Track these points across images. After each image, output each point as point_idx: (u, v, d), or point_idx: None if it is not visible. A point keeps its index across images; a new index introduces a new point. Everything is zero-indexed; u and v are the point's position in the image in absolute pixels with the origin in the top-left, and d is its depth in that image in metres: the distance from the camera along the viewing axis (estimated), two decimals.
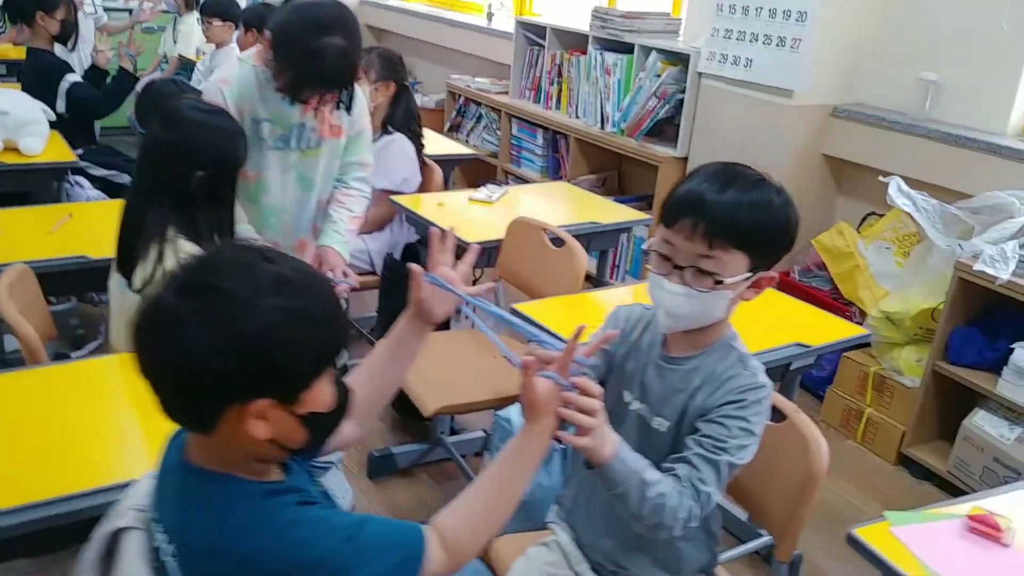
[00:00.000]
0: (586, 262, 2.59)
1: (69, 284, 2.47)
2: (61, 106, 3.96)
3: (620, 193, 4.80)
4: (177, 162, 2.02)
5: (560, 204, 3.52)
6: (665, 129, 4.20)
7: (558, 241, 2.70)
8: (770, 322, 2.42)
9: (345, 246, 2.47)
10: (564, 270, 2.60)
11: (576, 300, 2.47)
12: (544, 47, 4.89)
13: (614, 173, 4.84)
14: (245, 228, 2.36)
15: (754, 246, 1.42)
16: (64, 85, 3.91)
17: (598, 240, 3.20)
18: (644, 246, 1.55)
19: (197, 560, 1.15)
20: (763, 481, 1.77)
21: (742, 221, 1.40)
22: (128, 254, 2.05)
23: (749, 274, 1.45)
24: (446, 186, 4.24)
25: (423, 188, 3.52)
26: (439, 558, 1.23)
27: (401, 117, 3.42)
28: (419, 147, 3.49)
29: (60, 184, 3.56)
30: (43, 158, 3.41)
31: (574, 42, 4.73)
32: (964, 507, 1.64)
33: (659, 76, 4.10)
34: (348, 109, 2.36)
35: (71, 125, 4.02)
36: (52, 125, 3.73)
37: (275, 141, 2.39)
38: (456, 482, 2.84)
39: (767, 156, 3.62)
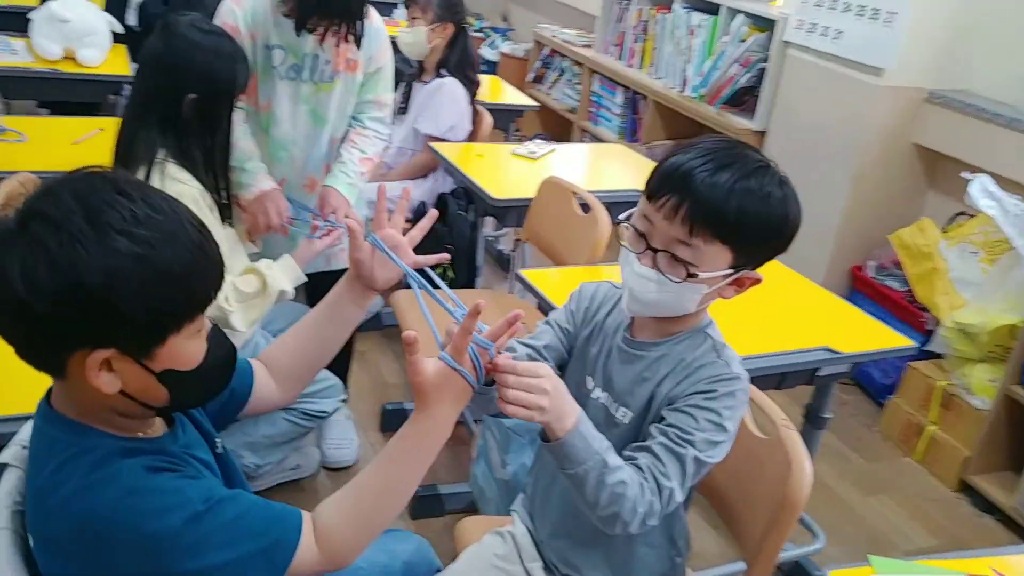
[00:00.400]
0: (608, 231, 2.38)
1: None
2: (132, 19, 3.93)
3: None
4: (168, 82, 1.90)
5: (607, 167, 3.31)
6: (745, 99, 3.91)
7: (587, 207, 2.50)
8: (798, 320, 2.18)
9: (351, 188, 2.31)
10: (587, 238, 2.41)
11: (587, 273, 2.27)
12: (632, 1, 4.61)
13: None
14: (254, 165, 2.24)
15: (740, 240, 1.23)
16: None
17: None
18: (621, 216, 1.36)
19: (36, 513, 1.05)
20: (742, 496, 1.57)
21: (730, 210, 1.20)
22: None
23: (730, 271, 1.26)
24: (506, 137, 4.07)
25: (471, 137, 3.35)
26: (312, 555, 1.09)
27: (456, 61, 3.24)
28: (472, 94, 3.31)
29: (117, 98, 3.54)
30: (101, 70, 3.38)
31: None
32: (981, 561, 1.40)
33: (743, 41, 3.80)
34: (358, 43, 2.19)
35: (141, 39, 3.99)
36: (123, 38, 3.71)
37: (287, 71, 2.25)
38: (467, 447, 2.71)
39: (850, 139, 3.31)
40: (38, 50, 3.30)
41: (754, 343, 2.00)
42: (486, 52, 6.08)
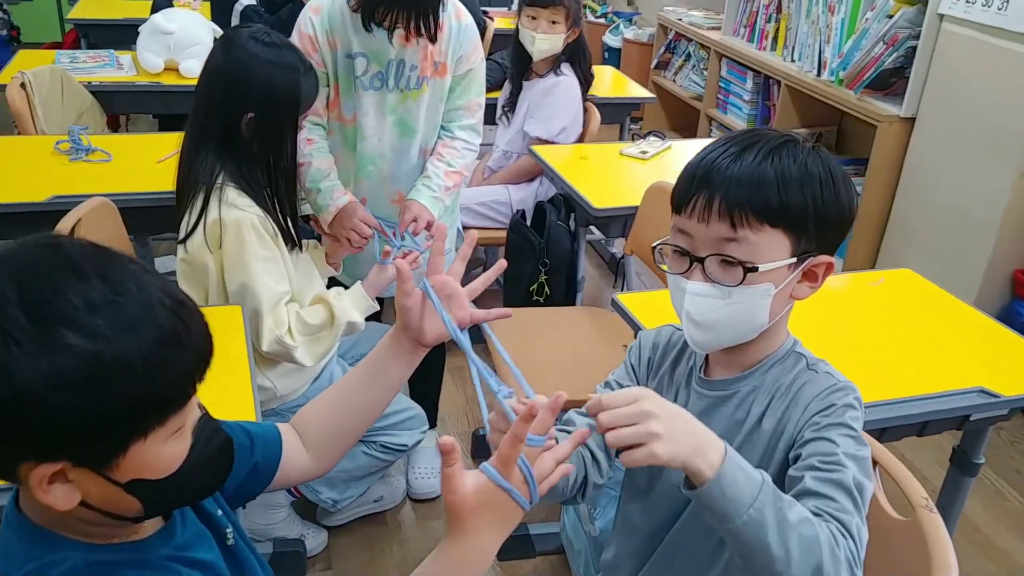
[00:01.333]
0: None
1: (157, 224, 2.32)
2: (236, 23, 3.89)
3: (837, 153, 4.12)
4: (225, 100, 1.77)
5: None
6: (892, 82, 3.48)
7: None
8: (945, 351, 1.84)
9: (435, 201, 2.09)
10: None
11: None
12: None
13: (832, 130, 4.15)
14: (329, 184, 2.08)
15: (792, 218, 1.06)
16: (238, 6, 3.83)
17: None
18: (653, 245, 1.13)
19: None
20: None
21: (769, 185, 1.04)
22: (180, 198, 1.84)
23: (792, 260, 1.08)
24: (620, 134, 3.80)
25: (579, 136, 3.11)
26: None
27: (572, 54, 3.02)
28: (584, 90, 3.08)
29: None
30: None
31: None
32: None
33: (890, 17, 3.37)
34: (431, 38, 1.96)
35: None
36: None
37: (370, 80, 2.07)
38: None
39: (1017, 126, 2.86)
40: (142, 63, 3.29)
41: (888, 383, 1.68)
42: (608, 39, 5.79)
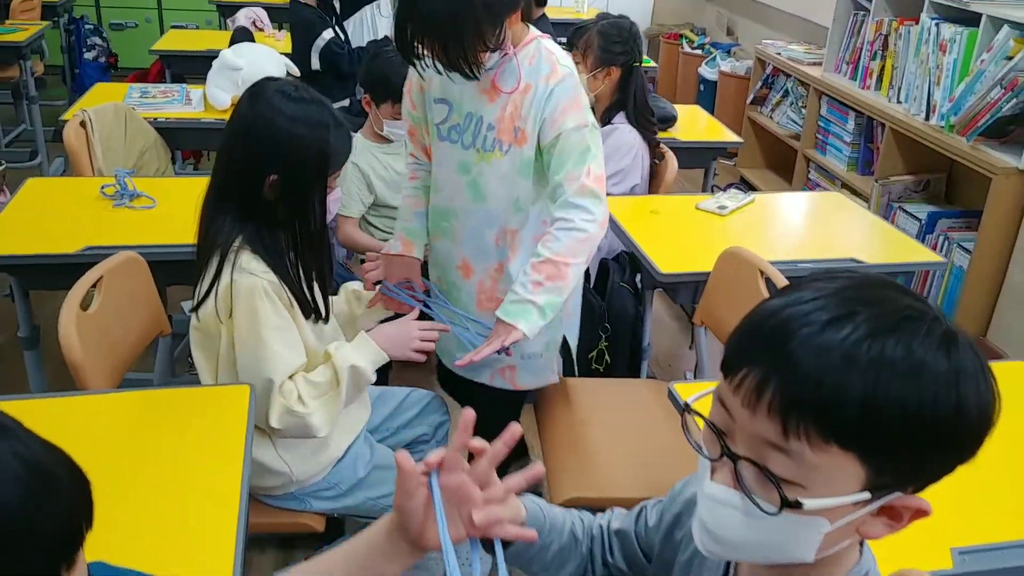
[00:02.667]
0: None
1: (190, 275, 2.20)
2: (316, 62, 3.83)
3: (946, 203, 3.77)
4: (247, 159, 1.63)
5: (817, 227, 2.70)
6: (1010, 130, 3.13)
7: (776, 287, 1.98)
8: None
9: (520, 307, 1.73)
10: None
11: None
12: (870, 11, 3.92)
13: (941, 177, 3.80)
14: (400, 224, 2.00)
15: (875, 447, 0.70)
16: (320, 42, 3.76)
17: None
18: (686, 403, 0.82)
19: None
20: None
21: (850, 394, 0.68)
22: (199, 260, 1.72)
23: (865, 495, 0.72)
24: (705, 180, 3.56)
25: (652, 185, 2.88)
26: None
27: (626, 103, 2.78)
28: (651, 140, 2.84)
29: None
30: None
31: (906, 7, 3.74)
32: None
33: (1009, 59, 3.04)
34: (468, 73, 1.66)
35: (327, 81, 3.89)
36: (311, 82, 3.60)
37: (447, 131, 1.87)
38: None
39: None
40: (210, 99, 3.23)
41: (996, 524, 1.41)
42: (705, 71, 5.53)
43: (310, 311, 1.71)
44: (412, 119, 1.97)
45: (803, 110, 4.48)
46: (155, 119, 3.10)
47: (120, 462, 1.44)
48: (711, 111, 4.25)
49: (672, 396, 1.72)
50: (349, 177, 2.65)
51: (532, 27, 1.79)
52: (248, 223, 1.64)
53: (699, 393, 0.84)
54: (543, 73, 1.74)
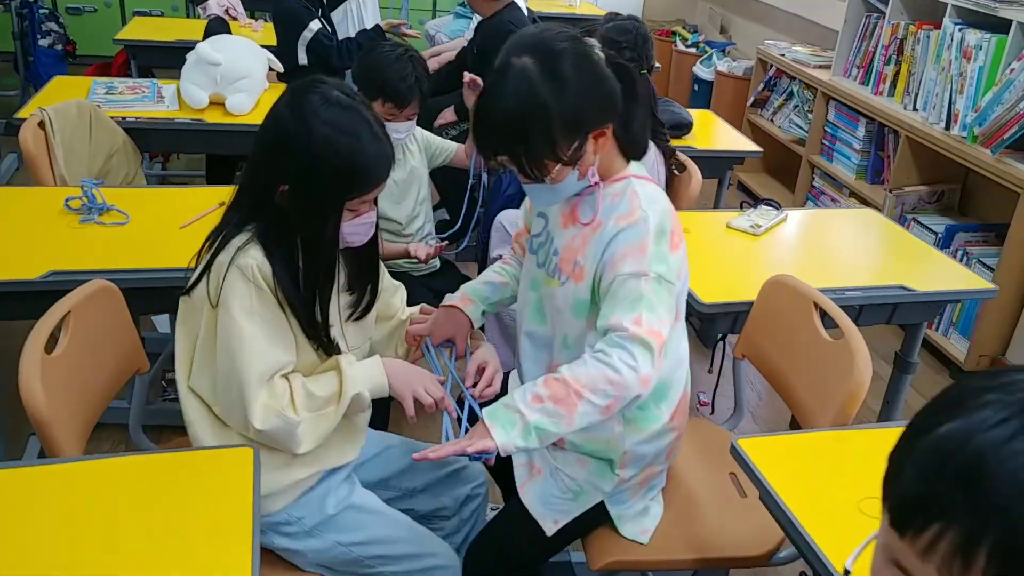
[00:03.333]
0: (869, 372, 1.62)
1: (168, 304, 1.92)
2: (303, 56, 3.55)
3: (960, 215, 3.61)
4: (261, 161, 1.44)
5: (854, 246, 2.49)
6: None
7: (832, 322, 1.77)
8: None
9: (507, 413, 1.39)
10: (836, 379, 1.67)
11: (837, 443, 1.54)
12: (885, 14, 3.74)
13: (955, 188, 3.63)
14: (470, 284, 1.78)
15: None
16: (307, 34, 3.48)
17: (906, 312, 2.17)
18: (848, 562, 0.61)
19: None
20: None
21: None
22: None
23: None
24: (718, 192, 3.35)
25: (674, 202, 2.65)
26: None
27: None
28: (666, 149, 2.63)
29: None
30: (249, 119, 2.94)
31: (925, 11, 3.55)
32: None
33: None
34: (531, 174, 1.45)
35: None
36: (290, 78, 3.34)
37: (537, 244, 1.65)
38: None
39: None
40: (185, 97, 2.95)
41: None
42: (700, 71, 5.33)
43: (312, 333, 1.48)
44: (527, 220, 1.79)
45: (809, 114, 4.29)
46: (123, 118, 2.80)
47: (104, 545, 1.19)
48: None
49: (738, 454, 1.50)
50: None
51: (634, 164, 1.56)
52: (259, 220, 1.44)
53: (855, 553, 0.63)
54: (618, 213, 1.49)
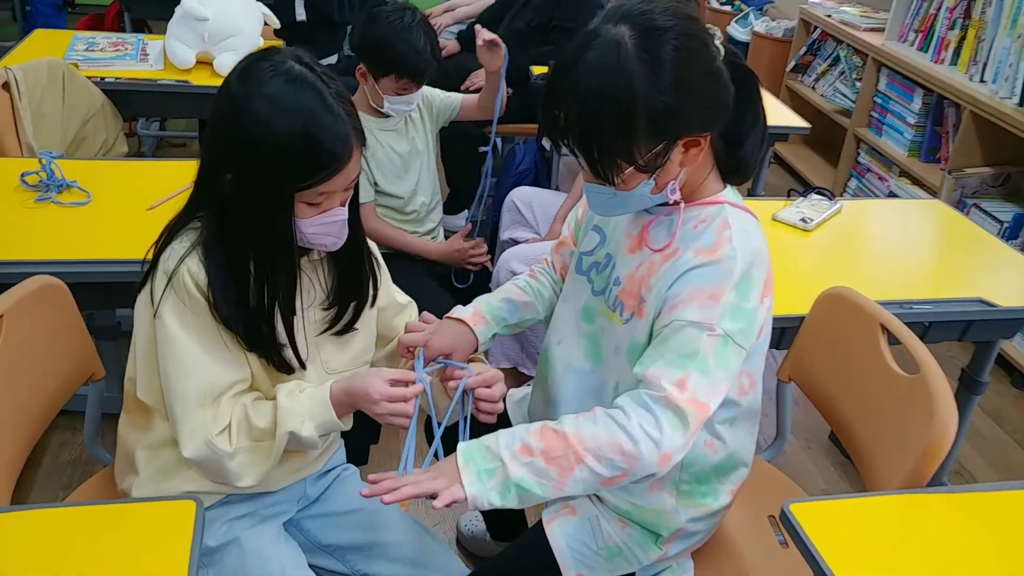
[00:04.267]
0: (953, 422, 1.33)
1: (124, 300, 1.66)
2: (301, 12, 3.26)
3: None
4: (209, 148, 1.21)
5: (921, 246, 2.19)
6: None
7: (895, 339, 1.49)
8: None
9: (486, 471, 1.13)
10: (913, 426, 1.38)
11: (908, 510, 1.26)
12: None
13: (1022, 172, 3.30)
14: (482, 299, 1.50)
15: None
16: None
17: (982, 329, 1.87)
18: None
19: None
20: None
21: None
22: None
23: None
24: (758, 172, 3.04)
25: None
26: None
27: None
28: None
29: None
30: None
31: None
32: None
33: None
34: (600, 174, 1.16)
35: (313, 33, 3.33)
36: (288, 35, 3.06)
37: (589, 265, 1.37)
38: None
39: None
40: (170, 55, 2.67)
41: None
42: (735, 31, 4.96)
43: (255, 348, 1.24)
44: (574, 228, 1.51)
45: (857, 83, 3.94)
46: (101, 79, 2.53)
47: None
48: None
49: (788, 522, 1.23)
50: None
51: (730, 190, 1.27)
52: (208, 213, 1.22)
53: None
54: (700, 243, 1.19)
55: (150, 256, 1.23)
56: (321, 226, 1.20)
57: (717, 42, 1.16)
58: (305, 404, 1.23)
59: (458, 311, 1.46)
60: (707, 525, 1.39)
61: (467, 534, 2.05)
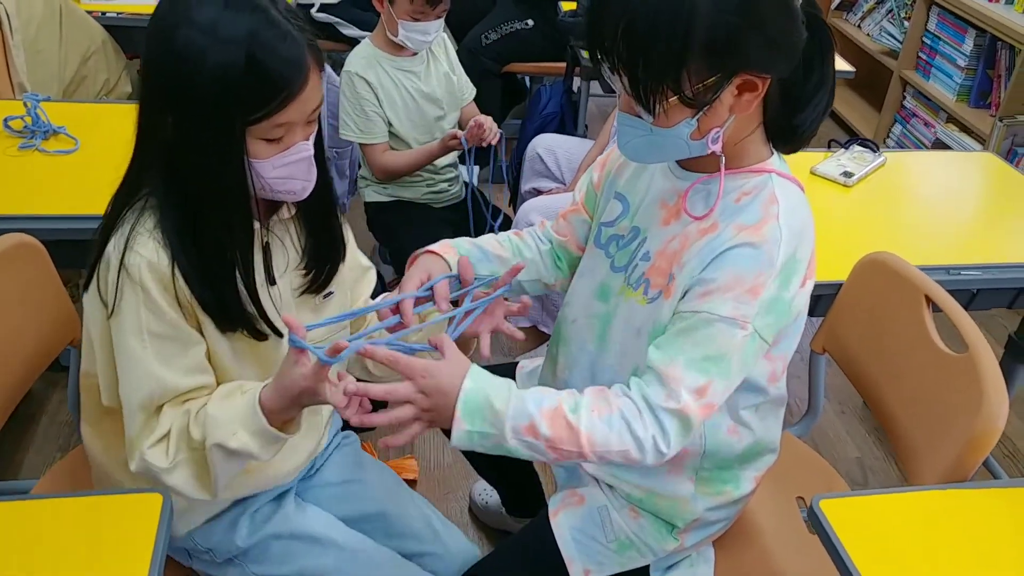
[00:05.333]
0: (1004, 408, 1.20)
1: None
2: None
3: None
4: (146, 88, 1.05)
5: (971, 204, 2.02)
6: None
7: (945, 319, 1.35)
8: None
9: (481, 433, 1.03)
10: (958, 411, 1.25)
11: (950, 502, 1.14)
12: None
13: None
14: (461, 240, 1.32)
15: None
16: None
17: None
18: None
19: None
20: None
21: None
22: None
23: None
24: None
25: None
26: None
27: None
28: None
29: None
30: None
31: None
32: None
33: None
34: (644, 103, 0.99)
35: None
36: None
37: (608, 238, 1.24)
38: None
39: None
40: None
41: None
42: None
43: (227, 321, 1.12)
44: (587, 194, 1.34)
45: (905, 22, 3.71)
46: (102, 13, 2.41)
47: None
48: None
49: (817, 520, 1.12)
50: (361, 95, 2.13)
51: (777, 158, 1.11)
52: (157, 180, 1.07)
53: None
54: (743, 220, 1.05)
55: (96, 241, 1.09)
56: (285, 167, 1.06)
57: None
58: (237, 409, 1.08)
59: (428, 247, 1.29)
60: (727, 513, 1.28)
61: (481, 505, 1.97)
